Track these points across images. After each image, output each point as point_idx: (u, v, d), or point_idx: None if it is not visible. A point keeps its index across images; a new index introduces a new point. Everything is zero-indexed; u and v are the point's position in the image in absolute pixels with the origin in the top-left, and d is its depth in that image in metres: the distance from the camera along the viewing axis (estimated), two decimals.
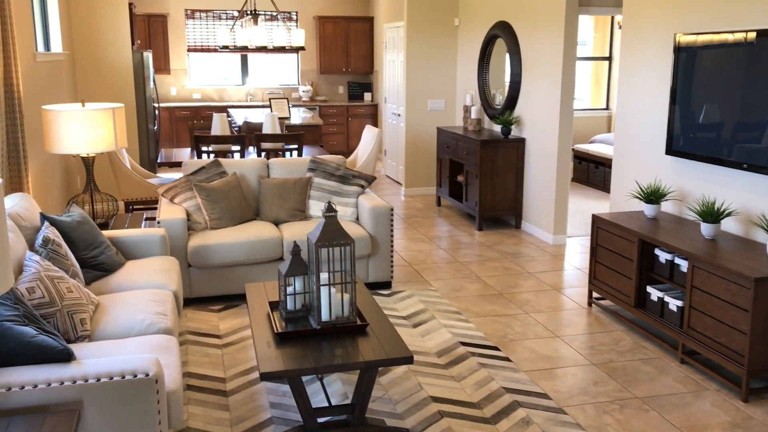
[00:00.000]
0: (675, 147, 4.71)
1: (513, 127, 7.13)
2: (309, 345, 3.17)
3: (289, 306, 3.46)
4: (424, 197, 8.66)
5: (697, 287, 3.89)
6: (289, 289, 3.47)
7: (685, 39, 4.54)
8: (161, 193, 5.17)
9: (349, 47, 11.68)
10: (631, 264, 4.47)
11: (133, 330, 3.26)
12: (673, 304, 4.14)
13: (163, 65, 10.97)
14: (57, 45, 6.73)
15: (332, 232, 3.27)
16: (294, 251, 3.47)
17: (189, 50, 11.35)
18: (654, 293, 4.33)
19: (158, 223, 4.75)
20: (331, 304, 3.30)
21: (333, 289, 3.31)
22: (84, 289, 3.37)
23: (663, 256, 4.29)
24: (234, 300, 5.04)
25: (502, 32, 7.21)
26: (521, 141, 6.97)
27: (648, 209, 4.68)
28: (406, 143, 8.66)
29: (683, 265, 4.12)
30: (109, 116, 4.61)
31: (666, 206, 4.91)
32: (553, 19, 6.30)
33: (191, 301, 4.97)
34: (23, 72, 5.09)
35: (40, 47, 6.36)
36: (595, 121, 10.89)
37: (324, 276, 3.30)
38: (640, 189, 4.75)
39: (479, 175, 6.92)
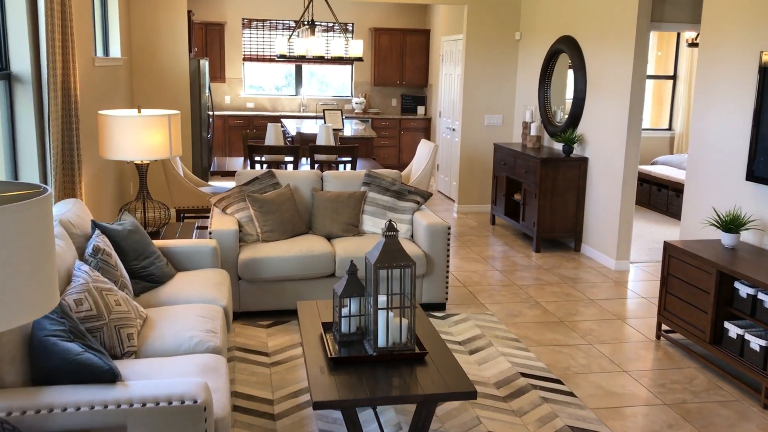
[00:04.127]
0: (757, 173, 4.38)
1: (575, 145, 6.85)
2: (364, 373, 2.97)
3: (344, 329, 3.28)
4: (478, 215, 8.41)
5: None
6: (344, 311, 3.28)
7: None
8: (213, 202, 5.06)
9: (404, 60, 11.53)
10: (707, 297, 4.16)
11: (181, 347, 3.11)
12: (756, 343, 3.81)
13: (218, 73, 10.99)
14: (116, 50, 6.73)
15: (392, 253, 3.07)
16: (351, 270, 3.28)
17: (244, 59, 11.36)
18: (733, 330, 4.00)
19: (210, 234, 4.63)
20: (388, 329, 3.10)
21: (391, 314, 3.12)
22: (132, 302, 3.24)
23: (744, 290, 3.97)
24: (283, 316, 4.88)
25: (567, 47, 6.95)
26: (584, 160, 6.68)
27: (726, 238, 4.37)
28: (460, 159, 8.43)
29: None
30: (165, 123, 4.52)
31: (745, 236, 4.58)
32: (623, 34, 6.02)
33: (239, 315, 4.82)
34: (81, 76, 5.05)
35: (99, 52, 6.35)
36: (657, 142, 10.49)
37: (382, 299, 3.11)
38: (718, 216, 4.43)
39: (538, 194, 6.65)
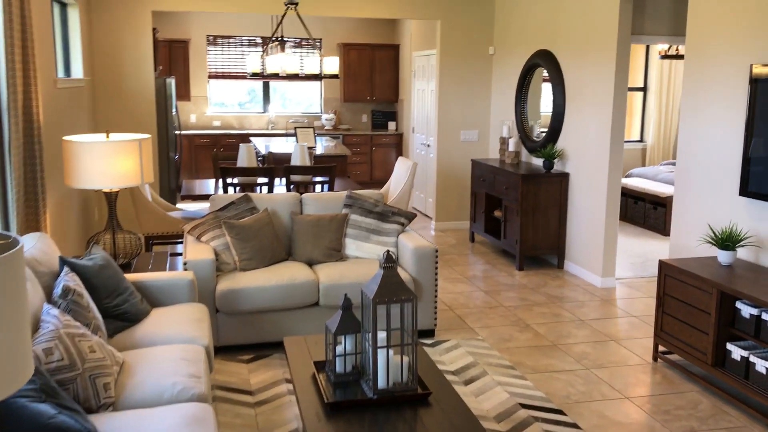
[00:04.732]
0: (751, 188, 4.28)
1: (555, 160, 6.73)
2: (365, 418, 2.74)
3: (338, 368, 3.05)
4: (456, 232, 8.24)
5: None
6: (339, 349, 3.05)
7: (764, 70, 4.14)
8: (187, 230, 4.79)
9: (373, 75, 11.37)
10: (707, 317, 4.03)
11: (163, 396, 2.85)
12: (761, 365, 3.68)
13: (183, 92, 10.68)
14: (78, 70, 6.41)
15: (392, 286, 2.86)
16: (345, 305, 3.06)
17: (210, 76, 11.07)
18: (736, 351, 3.87)
19: (185, 264, 4.36)
20: (389, 368, 2.88)
21: (391, 351, 2.90)
22: (107, 346, 2.96)
23: (747, 310, 3.85)
24: (265, 349, 4.62)
25: (544, 61, 6.85)
26: (565, 176, 6.56)
27: (723, 256, 4.25)
28: (437, 175, 8.27)
29: None
30: (136, 149, 4.24)
31: (741, 253, 4.47)
32: (604, 47, 5.93)
33: (218, 349, 4.55)
34: (44, 99, 4.75)
35: (61, 72, 6.04)
36: (629, 154, 10.49)
37: (382, 336, 2.89)
38: (713, 233, 4.32)
39: (520, 211, 6.50)
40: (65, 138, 4.21)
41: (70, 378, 2.65)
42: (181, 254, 5.47)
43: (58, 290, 3.10)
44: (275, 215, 5.02)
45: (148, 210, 6.15)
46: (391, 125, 11.61)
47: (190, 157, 10.53)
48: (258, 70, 6.68)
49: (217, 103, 11.27)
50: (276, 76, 6.92)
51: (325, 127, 11.35)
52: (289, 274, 4.56)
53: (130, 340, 3.41)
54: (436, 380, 3.07)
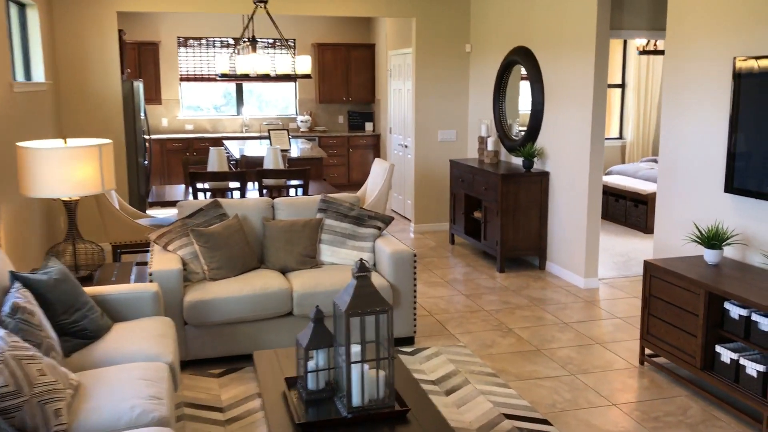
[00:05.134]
0: (737, 184, 4.16)
1: (535, 159, 6.59)
2: None
3: (310, 385, 2.86)
4: (436, 234, 8.08)
5: None
6: (311, 364, 2.87)
7: (747, 63, 4.02)
8: (153, 239, 4.57)
9: (349, 75, 11.18)
10: (695, 319, 3.89)
11: (120, 421, 2.64)
12: (752, 368, 3.55)
13: (154, 95, 10.42)
14: (39, 74, 6.16)
15: (365, 297, 2.68)
16: (316, 317, 2.87)
17: (182, 79, 10.81)
18: (726, 354, 3.74)
19: (150, 275, 4.14)
20: (364, 384, 2.70)
21: (366, 366, 2.71)
22: (60, 369, 2.75)
23: (736, 311, 3.71)
24: (237, 362, 4.41)
25: (522, 58, 6.70)
26: (545, 175, 6.42)
27: (709, 255, 4.12)
28: (415, 176, 8.10)
29: (763, 322, 3.54)
30: (95, 155, 4.02)
31: (727, 251, 4.34)
32: (582, 43, 5.79)
33: (187, 363, 4.33)
34: None
35: (19, 76, 5.78)
36: (608, 151, 10.39)
37: (356, 350, 2.71)
38: (699, 232, 4.19)
39: (500, 212, 6.35)
40: (19, 144, 3.98)
41: (15, 405, 2.43)
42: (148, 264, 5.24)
43: (6, 308, 2.88)
44: (246, 221, 4.82)
45: (115, 218, 5.91)
46: (368, 126, 11.42)
47: (162, 162, 10.27)
48: (227, 71, 6.47)
49: (191, 107, 11.02)
50: (247, 77, 6.72)
51: (301, 129, 11.14)
52: (261, 282, 4.36)
53: (88, 358, 3.19)
54: (414, 395, 2.89)
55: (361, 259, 2.71)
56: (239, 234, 4.65)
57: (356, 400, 2.69)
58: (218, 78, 6.33)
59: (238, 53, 7.75)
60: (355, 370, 2.69)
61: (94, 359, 3.19)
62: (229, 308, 4.22)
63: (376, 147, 11.25)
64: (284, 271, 4.70)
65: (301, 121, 11.11)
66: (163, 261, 4.29)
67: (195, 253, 4.48)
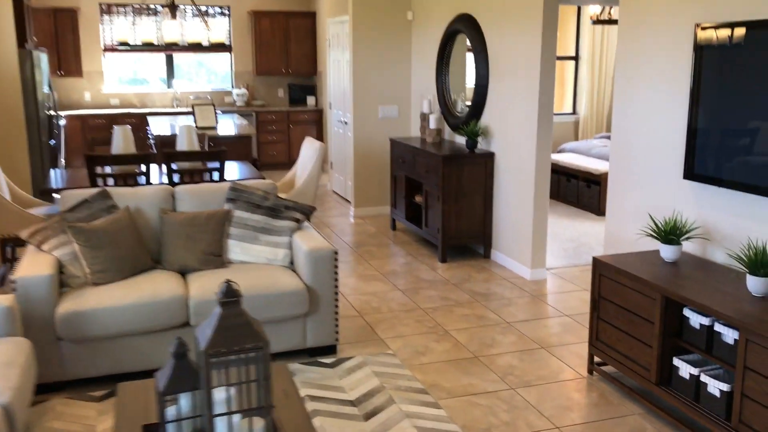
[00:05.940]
0: (698, 170, 3.64)
1: (479, 138, 6.03)
2: None
3: None
4: (377, 218, 7.49)
5: (753, 369, 2.82)
6: (171, 411, 2.25)
7: (709, 33, 3.48)
8: (25, 237, 3.87)
9: (288, 46, 10.43)
10: (651, 327, 3.38)
11: None
12: (714, 386, 3.06)
13: (73, 67, 9.54)
14: None
15: (232, 330, 2.07)
16: (177, 351, 2.25)
17: (105, 50, 9.93)
18: (684, 368, 3.24)
19: (13, 283, 3.46)
20: None
21: (236, 418, 2.11)
22: None
23: (696, 319, 3.21)
24: (123, 380, 3.77)
25: (465, 27, 6.09)
26: (490, 156, 5.85)
27: (666, 251, 3.61)
28: (354, 155, 7.47)
29: (727, 334, 3.04)
30: None
31: (686, 245, 3.84)
32: (529, 11, 5.21)
33: (64, 384, 3.67)
34: None
35: None
36: (561, 128, 9.91)
37: (220, 397, 2.10)
38: (655, 224, 3.67)
39: (441, 197, 5.78)
40: None
41: None
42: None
43: None
44: (140, 214, 4.14)
45: (3, 208, 5.17)
46: (311, 100, 10.72)
47: (83, 141, 9.43)
48: (150, 40, 5.71)
49: (122, 81, 10.15)
50: (170, 47, 5.96)
51: (237, 104, 10.38)
52: (151, 288, 3.71)
53: None
54: None
55: (227, 281, 2.10)
56: (129, 229, 3.98)
57: None
58: (139, 47, 5.57)
59: (159, 21, 6.99)
60: (221, 424, 2.09)
61: None
62: (111, 320, 3.57)
63: (318, 123, 10.57)
64: (184, 272, 4.06)
65: (237, 95, 10.35)
66: (34, 264, 3.61)
67: (74, 254, 3.80)
